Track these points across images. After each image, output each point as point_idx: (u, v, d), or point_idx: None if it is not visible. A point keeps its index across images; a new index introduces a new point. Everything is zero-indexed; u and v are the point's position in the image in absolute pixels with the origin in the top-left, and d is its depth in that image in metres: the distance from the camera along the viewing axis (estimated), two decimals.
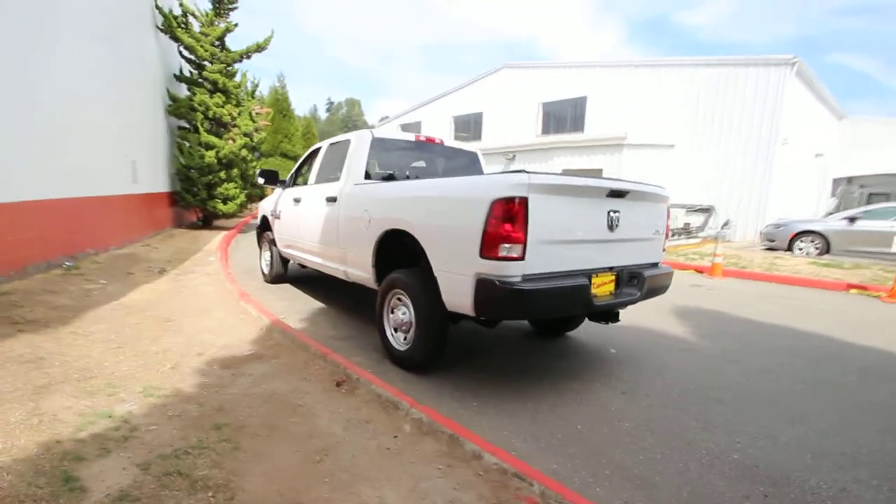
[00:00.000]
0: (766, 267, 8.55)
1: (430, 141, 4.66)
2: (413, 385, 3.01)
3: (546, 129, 20.10)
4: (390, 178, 4.33)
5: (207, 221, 11.42)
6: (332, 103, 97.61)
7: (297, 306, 5.00)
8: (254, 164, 11.94)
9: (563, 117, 19.44)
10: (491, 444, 2.20)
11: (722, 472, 2.21)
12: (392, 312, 3.49)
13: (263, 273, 6.36)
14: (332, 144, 4.84)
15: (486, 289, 2.60)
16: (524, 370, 3.45)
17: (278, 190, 5.93)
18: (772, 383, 3.37)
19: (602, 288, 3.03)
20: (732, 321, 5.08)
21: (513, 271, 2.55)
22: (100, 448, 1.99)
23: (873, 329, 4.84)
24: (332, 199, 4.26)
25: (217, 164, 10.45)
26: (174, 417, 2.36)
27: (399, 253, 3.62)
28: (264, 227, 6.41)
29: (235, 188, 11.15)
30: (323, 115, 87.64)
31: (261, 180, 5.49)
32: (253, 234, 12.07)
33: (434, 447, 2.22)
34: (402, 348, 3.35)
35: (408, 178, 4.47)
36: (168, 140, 10.51)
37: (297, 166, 5.64)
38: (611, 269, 3.10)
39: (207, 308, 4.60)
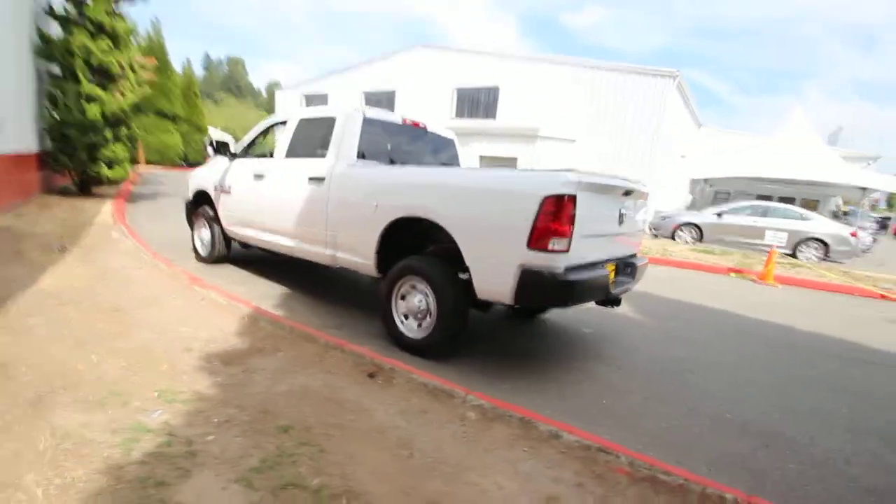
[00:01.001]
0: (662, 252, 9.97)
1: (415, 125, 4.55)
2: (440, 372, 3.03)
3: (460, 113, 20.47)
4: (390, 162, 4.17)
5: (84, 188, 9.61)
6: (209, 59, 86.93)
7: (260, 291, 4.59)
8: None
9: (477, 103, 19.98)
10: (563, 423, 2.37)
11: (728, 433, 2.67)
12: (402, 299, 3.43)
13: (198, 253, 5.66)
14: (306, 119, 4.46)
15: (532, 278, 2.73)
16: (524, 352, 3.68)
17: (221, 161, 5.29)
18: (717, 355, 4.06)
19: (609, 276, 3.35)
20: (660, 301, 5.91)
21: (559, 263, 2.72)
22: (174, 468, 1.71)
23: (765, 307, 6.02)
24: (317, 179, 3.97)
25: (103, 121, 8.82)
26: (224, 424, 2.10)
27: (404, 240, 3.56)
28: (198, 201, 5.68)
29: (125, 151, 9.54)
30: (199, 71, 77.69)
31: (210, 151, 4.84)
32: (146, 204, 10.61)
33: (507, 431, 2.32)
34: (418, 336, 3.33)
35: (392, 162, 4.33)
36: (36, 89, 8.53)
37: (250, 137, 5.08)
38: (614, 259, 3.44)
39: (157, 296, 4.00)
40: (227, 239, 5.40)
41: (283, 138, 4.54)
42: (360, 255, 3.72)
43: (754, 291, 7.11)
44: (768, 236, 10.85)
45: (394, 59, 21.95)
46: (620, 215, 3.28)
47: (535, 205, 2.67)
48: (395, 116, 4.38)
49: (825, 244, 10.69)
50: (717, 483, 1.98)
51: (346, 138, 3.94)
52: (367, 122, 4.04)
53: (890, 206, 47.79)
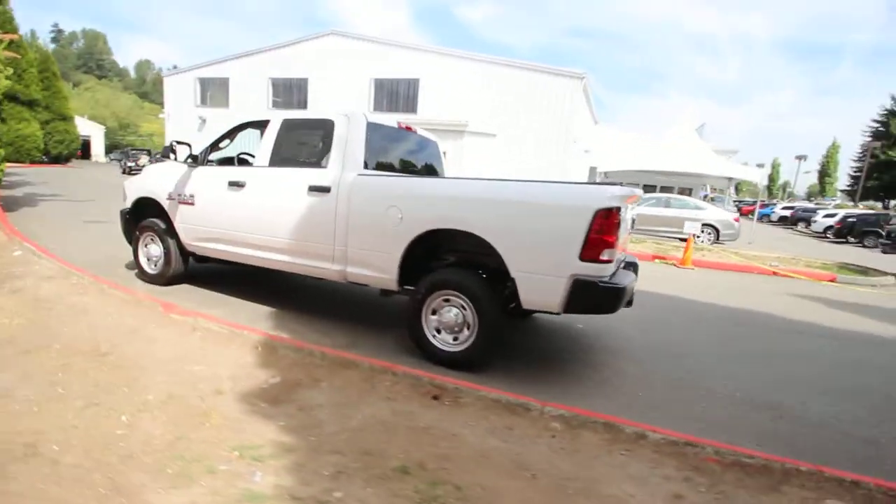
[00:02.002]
0: None
1: (407, 129, 4.43)
2: (481, 381, 3.04)
3: (378, 106, 20.05)
4: (389, 169, 4.00)
5: None
6: (60, 31, 74.38)
7: (244, 312, 4.16)
8: None
9: (397, 96, 19.72)
10: (641, 423, 2.55)
11: (746, 408, 3.09)
12: (433, 314, 3.38)
13: (144, 272, 4.92)
14: (291, 122, 4.10)
15: (583, 288, 2.86)
16: (532, 350, 3.85)
17: (174, 166, 4.64)
18: (696, 337, 4.62)
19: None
20: None
21: (607, 272, 2.89)
22: None
23: (698, 288, 6.91)
24: (320, 190, 3.69)
25: None
26: (339, 476, 1.92)
27: (424, 252, 3.49)
28: (140, 213, 4.93)
29: None
30: (48, 45, 66.02)
31: (172, 157, 4.22)
32: (30, 211, 8.85)
33: (596, 437, 2.44)
34: (454, 349, 3.31)
35: (393, 168, 4.18)
36: None
37: (215, 139, 4.52)
38: (625, 261, 3.73)
39: (134, 329, 3.43)
40: (186, 255, 4.78)
41: (264, 143, 4.12)
42: (377, 270, 3.56)
43: (680, 275, 8.13)
44: (687, 226, 12.37)
45: (304, 46, 20.73)
46: (632, 221, 3.57)
47: (588, 218, 2.80)
48: (390, 120, 4.22)
49: (716, 229, 12.54)
50: (788, 458, 2.31)
51: (350, 145, 3.71)
52: (372, 128, 3.84)
53: (738, 191, 57.03)
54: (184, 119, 23.41)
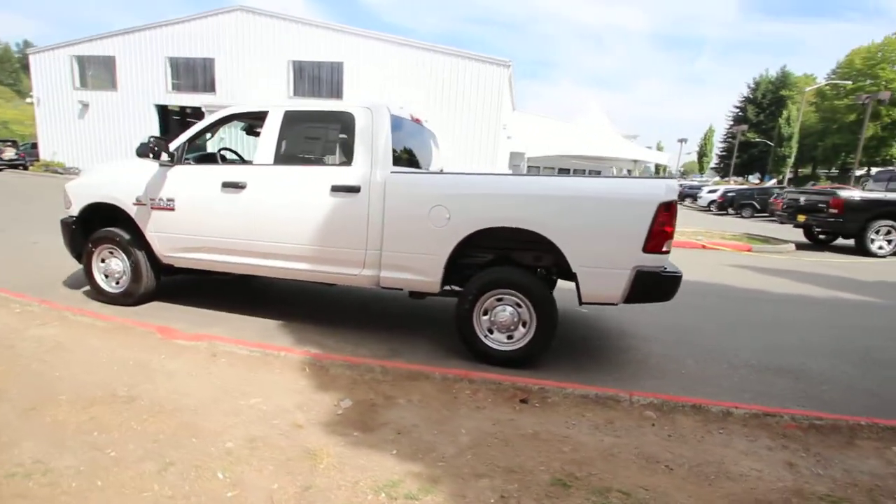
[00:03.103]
0: None
1: (416, 121, 4.21)
2: (537, 376, 3.06)
3: (300, 91, 18.76)
4: (403, 164, 3.76)
5: None
6: None
7: (252, 327, 3.73)
8: None
9: (320, 80, 18.60)
10: (723, 401, 2.74)
11: (769, 374, 3.44)
12: (485, 314, 3.30)
13: (103, 292, 4.16)
14: (297, 113, 3.67)
15: (646, 279, 2.97)
16: (565, 339, 3.95)
17: (142, 165, 3.94)
18: (684, 311, 5.04)
19: None
20: None
21: (666, 262, 3.03)
22: None
23: None
24: (347, 190, 3.37)
25: None
26: (509, 499, 1.81)
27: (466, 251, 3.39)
28: (90, 221, 4.15)
29: None
30: None
31: (158, 156, 3.56)
32: None
33: (689, 420, 2.57)
34: (509, 348, 3.27)
35: (412, 163, 3.95)
36: None
37: (192, 133, 3.90)
38: None
39: (142, 363, 2.90)
40: (158, 268, 4.13)
41: (265, 139, 3.66)
42: (418, 273, 3.38)
43: None
44: None
45: (207, 23, 18.63)
46: None
47: (652, 211, 2.90)
48: (403, 112, 3.97)
49: None
50: (848, 415, 2.64)
51: (378, 140, 3.43)
52: (393, 122, 3.59)
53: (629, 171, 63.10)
54: (60, 104, 19.87)
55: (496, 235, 3.24)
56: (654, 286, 3.01)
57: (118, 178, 4.03)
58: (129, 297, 4.11)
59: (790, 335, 4.41)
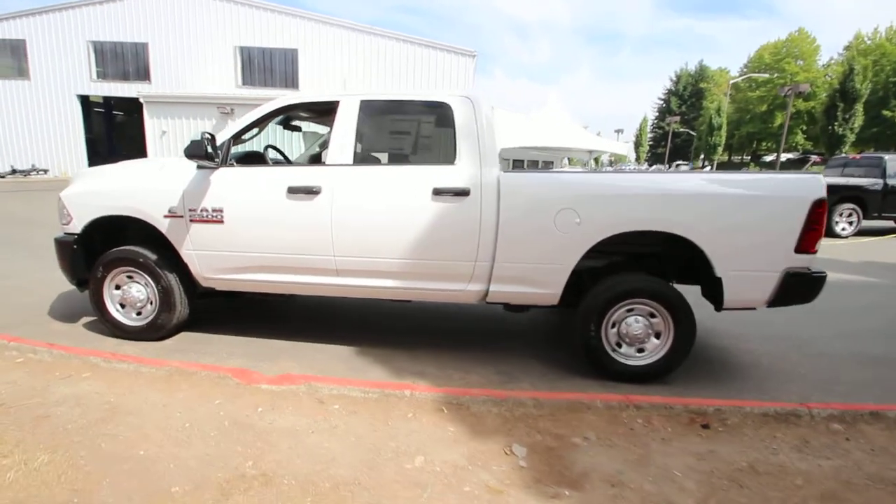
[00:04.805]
0: None
1: None
2: (672, 392, 2.83)
3: (249, 79, 17.26)
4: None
5: None
6: None
7: (323, 357, 3.19)
8: None
9: (272, 70, 17.22)
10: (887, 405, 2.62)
11: (862, 366, 3.36)
12: (614, 327, 2.98)
13: (120, 325, 3.38)
14: (377, 103, 3.11)
15: (795, 281, 2.80)
16: None
17: (175, 168, 3.22)
18: None
19: None
20: None
21: (814, 262, 2.87)
22: None
23: None
24: (454, 193, 2.90)
25: None
26: None
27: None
28: (96, 239, 3.35)
29: None
30: None
31: (206, 159, 2.85)
32: None
33: (877, 430, 2.42)
34: (642, 362, 2.98)
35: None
36: None
37: (238, 130, 3.21)
38: None
39: (237, 422, 2.29)
40: (192, 293, 3.41)
41: (339, 134, 3.07)
42: (536, 285, 2.99)
43: None
44: None
45: (138, 2, 16.54)
46: None
47: (806, 210, 2.72)
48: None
49: None
50: None
51: (483, 135, 2.98)
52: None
53: (569, 161, 65.48)
54: None
55: (620, 240, 2.93)
56: (801, 288, 2.84)
57: (141, 185, 3.24)
58: (158, 331, 3.36)
59: (854, 321, 4.49)
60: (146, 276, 3.29)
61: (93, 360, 2.82)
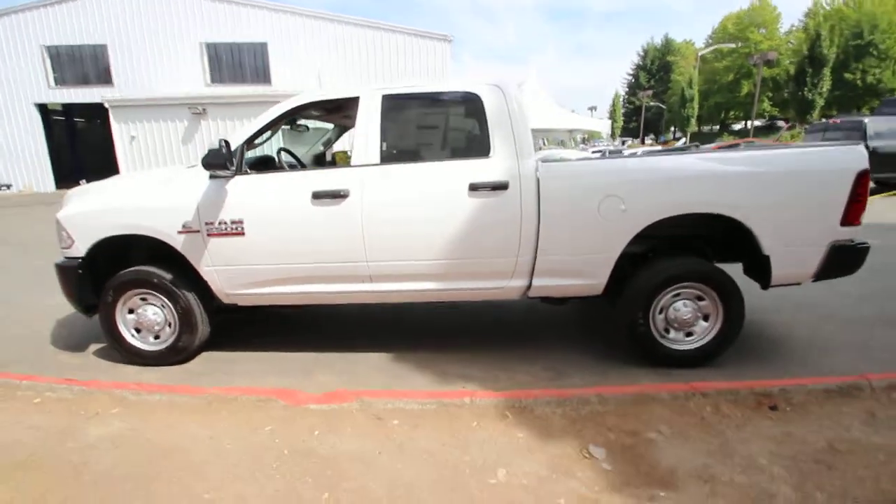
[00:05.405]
0: None
1: None
2: (738, 373, 2.80)
3: (218, 77, 16.56)
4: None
5: None
6: None
7: (368, 369, 3.04)
8: None
9: (241, 65, 16.54)
10: None
11: (887, 326, 3.44)
12: (661, 312, 2.92)
13: (137, 351, 3.17)
14: (399, 97, 2.92)
15: (841, 254, 2.77)
16: None
17: (186, 178, 3.00)
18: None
19: None
20: None
21: (859, 234, 2.85)
22: None
23: None
24: (493, 187, 2.76)
25: None
26: None
27: None
28: (101, 261, 3.10)
29: None
30: None
31: (226, 168, 2.63)
32: None
33: None
34: (691, 346, 2.94)
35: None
36: None
37: (251, 134, 2.98)
38: None
39: (310, 453, 2.15)
40: (212, 312, 3.21)
41: (364, 132, 2.88)
42: (581, 277, 2.90)
43: None
44: None
45: (92, 2, 15.58)
46: None
47: (850, 181, 2.67)
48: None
49: None
50: None
51: (518, 125, 2.84)
52: None
53: (545, 142, 65.64)
54: None
55: (662, 224, 2.85)
56: (847, 260, 2.82)
57: (150, 201, 3.00)
58: (180, 354, 3.16)
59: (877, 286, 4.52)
60: (162, 296, 3.08)
61: (119, 394, 2.61)
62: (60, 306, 3.72)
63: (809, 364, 2.94)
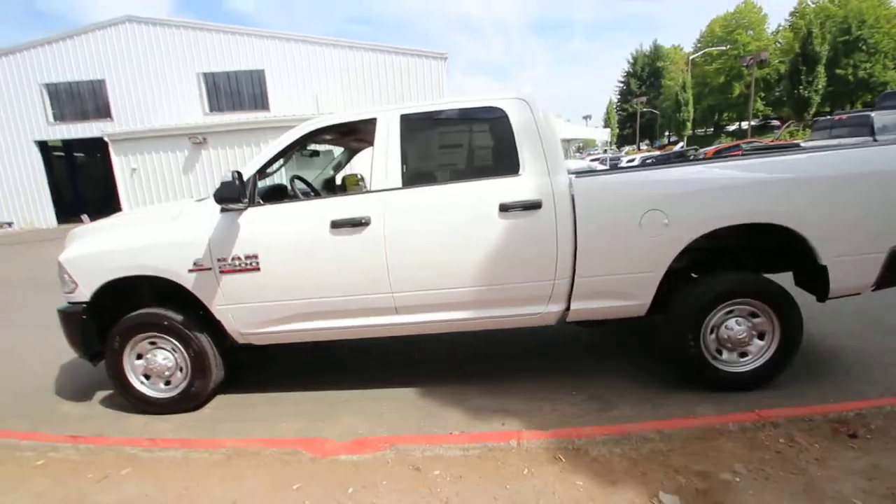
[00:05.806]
0: None
1: None
2: (797, 394, 2.58)
3: (216, 106, 16.59)
4: None
5: None
6: None
7: (394, 412, 2.79)
8: None
9: (239, 93, 16.57)
10: None
11: None
12: (712, 332, 2.70)
13: (148, 399, 2.94)
14: (417, 116, 2.76)
15: None
16: None
17: (194, 214, 2.82)
18: None
19: None
20: None
21: None
22: None
23: None
24: (524, 207, 2.57)
25: None
26: None
27: None
28: (104, 305, 2.90)
29: None
30: None
31: (240, 201, 2.44)
32: None
33: None
34: (745, 368, 2.71)
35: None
36: None
37: (263, 163, 2.81)
38: None
39: None
40: (225, 353, 3.00)
41: (383, 155, 2.71)
42: (623, 297, 2.70)
43: None
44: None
45: (90, 39, 15.78)
46: None
47: None
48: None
49: None
50: None
51: (547, 139, 2.67)
52: None
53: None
54: None
55: (707, 237, 2.65)
56: None
57: (157, 239, 2.80)
58: (193, 400, 2.94)
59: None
60: (173, 340, 2.87)
61: (129, 451, 2.39)
62: (62, 350, 3.51)
63: (876, 381, 2.71)
